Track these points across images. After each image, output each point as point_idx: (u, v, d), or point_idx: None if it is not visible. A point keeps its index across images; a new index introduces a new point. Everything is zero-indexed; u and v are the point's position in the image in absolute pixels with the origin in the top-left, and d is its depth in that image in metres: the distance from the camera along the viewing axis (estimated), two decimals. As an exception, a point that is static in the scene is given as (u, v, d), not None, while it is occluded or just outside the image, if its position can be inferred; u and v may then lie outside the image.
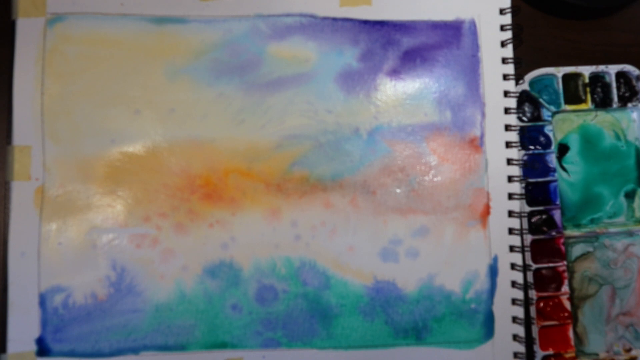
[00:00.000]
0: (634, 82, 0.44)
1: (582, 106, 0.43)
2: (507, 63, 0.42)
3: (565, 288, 0.42)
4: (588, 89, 0.43)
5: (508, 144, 0.42)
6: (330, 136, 0.41)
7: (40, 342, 0.38)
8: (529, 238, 0.42)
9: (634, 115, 0.44)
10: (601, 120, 0.44)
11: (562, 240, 0.42)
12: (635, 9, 0.46)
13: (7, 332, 0.38)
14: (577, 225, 0.43)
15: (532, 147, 0.43)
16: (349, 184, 0.41)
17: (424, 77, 0.42)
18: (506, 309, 0.41)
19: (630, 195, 0.44)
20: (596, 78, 0.44)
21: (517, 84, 0.42)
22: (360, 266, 0.40)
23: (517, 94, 0.42)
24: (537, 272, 0.42)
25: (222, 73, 0.40)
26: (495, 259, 0.41)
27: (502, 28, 0.42)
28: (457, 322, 0.41)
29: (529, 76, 0.43)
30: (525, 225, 0.42)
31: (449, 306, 0.41)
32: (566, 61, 0.44)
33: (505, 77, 0.42)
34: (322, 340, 0.40)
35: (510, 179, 0.42)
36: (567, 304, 0.42)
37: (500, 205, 0.41)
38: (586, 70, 0.43)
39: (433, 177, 0.41)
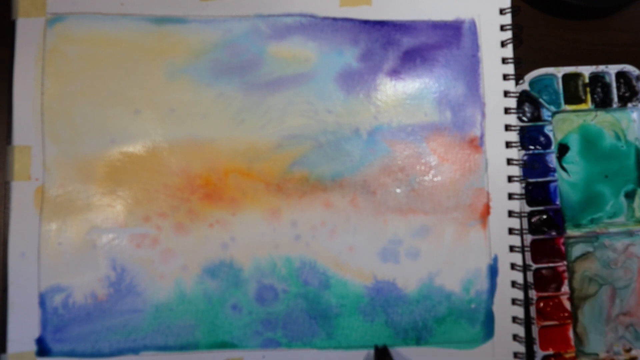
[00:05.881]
0: (634, 82, 0.44)
1: (582, 106, 0.43)
2: (507, 63, 0.42)
3: (565, 288, 0.42)
4: (588, 89, 0.43)
5: (508, 144, 0.42)
6: (330, 136, 0.41)
7: (40, 342, 0.38)
8: (529, 238, 0.42)
9: (634, 115, 0.44)
10: (601, 120, 0.44)
11: (562, 240, 0.42)
12: (635, 9, 0.46)
13: (7, 332, 0.38)
14: (577, 225, 0.43)
15: (532, 147, 0.43)
16: (349, 184, 0.41)
17: (424, 77, 0.42)
18: (506, 309, 0.41)
19: (630, 195, 0.44)
20: (596, 78, 0.44)
21: (517, 84, 0.42)
22: (360, 266, 0.40)
23: (517, 94, 0.42)
24: (537, 272, 0.42)
25: (222, 73, 0.41)
26: (495, 259, 0.41)
27: (502, 28, 0.42)
28: (457, 322, 0.41)
29: (529, 76, 0.43)
30: (525, 225, 0.42)
31: (449, 306, 0.41)
32: (566, 61, 0.44)
33: (505, 77, 0.42)
34: (322, 340, 0.40)
35: (510, 179, 0.42)
36: (567, 304, 0.42)
37: (500, 205, 0.41)
38: (586, 70, 0.43)
39: (433, 177, 0.41)
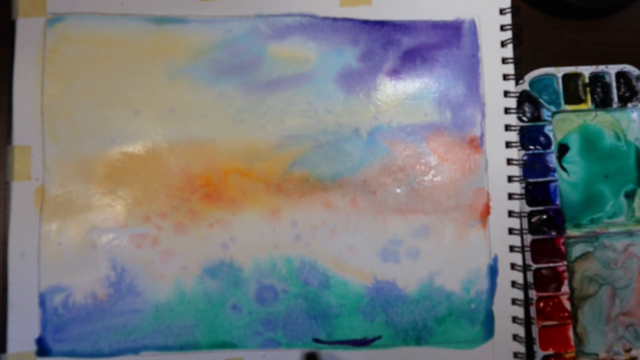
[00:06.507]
0: (634, 82, 0.44)
1: (582, 106, 0.43)
2: (507, 63, 0.42)
3: (565, 288, 0.42)
4: (588, 89, 0.43)
5: (508, 144, 0.42)
6: (330, 136, 0.41)
7: (40, 342, 0.38)
8: (529, 238, 0.42)
9: (634, 115, 0.44)
10: (601, 120, 0.44)
11: (562, 240, 0.42)
12: (635, 9, 0.46)
13: (7, 332, 0.38)
14: (577, 225, 0.43)
15: (532, 147, 0.43)
16: (349, 184, 0.41)
17: (424, 77, 0.42)
18: (506, 309, 0.41)
19: (630, 195, 0.44)
20: (596, 78, 0.44)
21: (517, 84, 0.42)
22: (360, 266, 0.40)
23: (517, 94, 0.42)
24: (537, 272, 0.42)
25: (222, 73, 0.41)
26: (495, 259, 0.41)
27: (502, 28, 0.42)
28: (457, 322, 0.41)
29: (529, 76, 0.43)
30: (525, 225, 0.42)
31: (449, 306, 0.41)
32: (566, 61, 0.44)
33: (505, 77, 0.42)
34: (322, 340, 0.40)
35: (510, 179, 0.42)
36: (567, 304, 0.42)
37: (500, 205, 0.41)
38: (586, 70, 0.43)
39: (433, 177, 0.41)
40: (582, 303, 0.43)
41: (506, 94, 0.42)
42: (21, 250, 0.38)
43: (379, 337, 0.40)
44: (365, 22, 0.42)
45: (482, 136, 0.42)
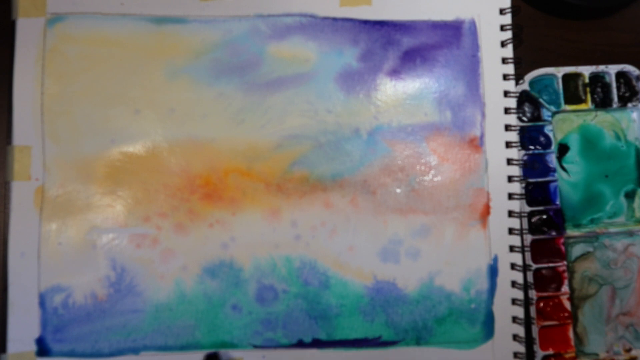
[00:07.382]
0: (634, 82, 0.44)
1: (582, 106, 0.43)
2: (507, 63, 0.42)
3: (565, 288, 0.42)
4: (588, 89, 0.43)
5: (508, 144, 0.42)
6: (330, 136, 0.41)
7: (40, 342, 0.38)
8: (529, 238, 0.42)
9: (634, 115, 0.44)
10: (601, 120, 0.44)
11: (562, 240, 0.42)
12: (635, 9, 0.46)
13: (7, 332, 0.38)
14: (577, 225, 0.43)
15: (532, 147, 0.43)
16: (349, 184, 0.41)
17: (424, 77, 0.42)
18: (506, 309, 0.41)
19: (630, 195, 0.44)
20: (596, 78, 0.44)
21: (517, 84, 0.42)
22: (360, 266, 0.40)
23: (517, 94, 0.42)
24: (537, 272, 0.42)
25: (222, 73, 0.41)
26: (495, 259, 0.41)
27: (502, 28, 0.42)
28: (457, 322, 0.41)
29: (529, 76, 0.43)
30: (525, 225, 0.42)
31: (449, 306, 0.41)
32: (566, 61, 0.44)
33: (505, 77, 0.42)
34: (322, 341, 0.40)
35: (510, 179, 0.42)
36: (567, 304, 0.42)
37: (500, 205, 0.41)
38: (586, 70, 0.43)
39: (433, 177, 0.41)
40: (582, 303, 0.43)
41: (506, 94, 0.42)
42: (21, 250, 0.38)
43: (379, 337, 0.40)
44: (365, 22, 0.42)
45: (482, 136, 0.42)
